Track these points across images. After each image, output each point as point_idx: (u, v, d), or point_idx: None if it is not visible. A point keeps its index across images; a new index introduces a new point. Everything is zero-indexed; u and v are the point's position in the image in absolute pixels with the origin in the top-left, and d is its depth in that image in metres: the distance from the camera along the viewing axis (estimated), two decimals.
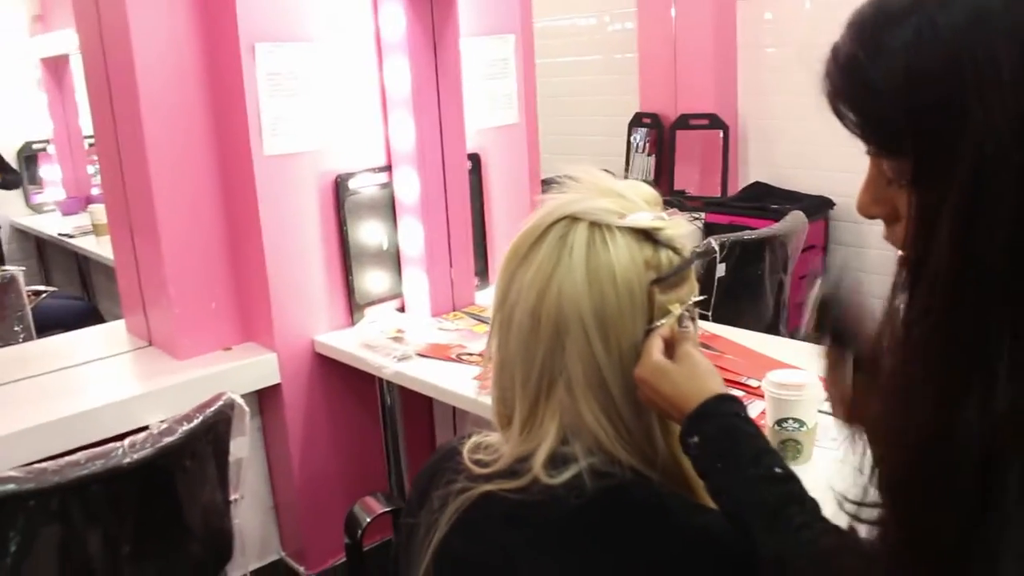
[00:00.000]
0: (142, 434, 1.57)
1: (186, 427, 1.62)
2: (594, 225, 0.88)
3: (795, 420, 1.43)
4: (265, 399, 2.40)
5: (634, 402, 0.89)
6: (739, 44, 4.03)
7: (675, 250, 0.91)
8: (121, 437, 1.56)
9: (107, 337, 2.55)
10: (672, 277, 0.89)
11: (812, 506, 0.83)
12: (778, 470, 0.85)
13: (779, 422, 1.43)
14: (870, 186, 0.69)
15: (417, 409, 2.61)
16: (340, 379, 2.43)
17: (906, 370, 0.63)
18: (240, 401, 1.75)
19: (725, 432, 0.86)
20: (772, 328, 2.87)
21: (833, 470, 1.39)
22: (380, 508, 1.78)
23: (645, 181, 1.00)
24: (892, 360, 0.66)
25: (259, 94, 2.16)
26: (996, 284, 0.58)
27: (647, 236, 0.89)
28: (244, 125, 2.16)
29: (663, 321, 0.89)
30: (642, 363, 0.88)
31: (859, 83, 0.64)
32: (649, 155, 4.33)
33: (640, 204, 0.92)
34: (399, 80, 2.37)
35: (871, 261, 3.54)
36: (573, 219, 0.89)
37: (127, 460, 1.52)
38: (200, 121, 2.23)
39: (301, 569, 2.49)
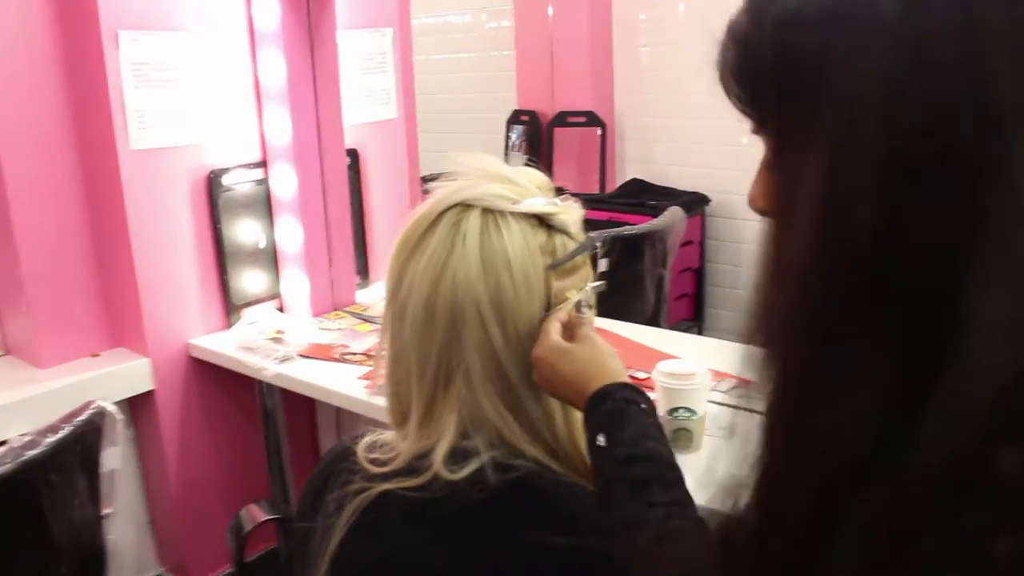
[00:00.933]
0: (1, 448, 1.45)
1: (52, 439, 1.51)
2: (487, 211, 0.86)
3: (686, 409, 1.44)
4: (137, 407, 2.28)
5: (534, 390, 0.88)
6: (615, 43, 4.09)
7: (569, 235, 0.90)
8: None
9: None
10: (568, 262, 0.88)
11: (680, 494, 0.80)
12: (655, 451, 0.81)
13: (671, 411, 1.45)
14: (760, 177, 0.59)
15: (299, 412, 2.54)
16: (217, 383, 2.33)
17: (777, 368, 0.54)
18: (112, 409, 1.65)
19: (616, 414, 0.83)
20: (653, 321, 2.92)
21: (722, 457, 1.41)
22: (264, 516, 1.72)
23: None
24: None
25: (123, 85, 2.04)
26: (855, 287, 0.49)
27: (541, 221, 0.88)
28: (108, 118, 2.04)
29: (561, 307, 0.88)
30: (540, 343, 0.86)
31: (742, 50, 0.55)
32: (526, 153, 4.34)
33: (532, 189, 0.90)
34: (274, 73, 2.29)
35: (746, 256, 3.65)
36: (465, 206, 0.87)
37: None
38: (59, 114, 2.09)
39: None
